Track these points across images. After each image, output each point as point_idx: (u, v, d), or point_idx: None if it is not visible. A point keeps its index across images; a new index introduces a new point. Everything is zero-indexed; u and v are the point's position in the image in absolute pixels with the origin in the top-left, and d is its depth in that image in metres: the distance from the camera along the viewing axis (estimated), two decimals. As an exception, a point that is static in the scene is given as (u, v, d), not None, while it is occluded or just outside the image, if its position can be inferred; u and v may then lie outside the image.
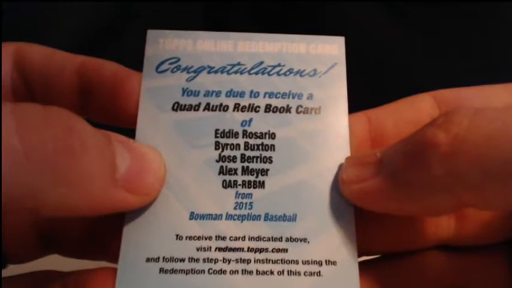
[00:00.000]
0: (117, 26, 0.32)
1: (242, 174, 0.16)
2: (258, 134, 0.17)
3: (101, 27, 0.32)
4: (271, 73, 0.18)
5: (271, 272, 0.15)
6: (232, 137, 0.17)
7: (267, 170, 0.16)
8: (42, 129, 0.12)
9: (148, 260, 0.15)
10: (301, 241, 0.15)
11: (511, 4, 0.31)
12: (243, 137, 0.17)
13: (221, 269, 0.15)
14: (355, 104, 0.17)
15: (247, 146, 0.17)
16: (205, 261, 0.15)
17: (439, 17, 0.32)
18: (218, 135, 0.17)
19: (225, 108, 0.17)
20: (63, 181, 0.12)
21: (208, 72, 0.17)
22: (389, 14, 0.32)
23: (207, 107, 0.17)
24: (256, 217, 0.16)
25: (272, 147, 0.17)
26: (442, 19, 0.32)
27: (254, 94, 0.17)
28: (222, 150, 0.17)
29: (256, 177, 0.16)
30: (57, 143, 0.12)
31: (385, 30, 0.32)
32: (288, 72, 0.18)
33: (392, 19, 0.32)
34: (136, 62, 0.18)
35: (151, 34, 0.18)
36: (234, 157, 0.16)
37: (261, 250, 0.15)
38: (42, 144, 0.12)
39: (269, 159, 0.17)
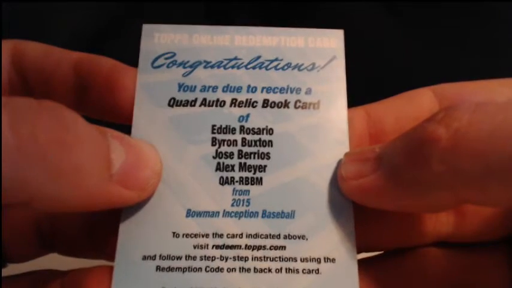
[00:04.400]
0: (117, 26, 0.32)
1: (239, 171, 0.16)
2: (256, 130, 0.17)
3: (100, 27, 0.32)
4: (268, 67, 0.17)
5: (269, 270, 0.15)
6: (229, 133, 0.16)
7: (265, 166, 0.16)
8: (35, 121, 0.12)
9: (144, 258, 0.15)
10: (299, 238, 0.15)
11: (510, 4, 0.31)
12: (240, 133, 0.17)
13: (218, 267, 0.15)
14: (355, 102, 0.17)
15: (244, 142, 0.16)
16: (202, 259, 0.15)
17: (438, 16, 0.32)
18: (215, 131, 0.16)
19: (221, 104, 0.17)
20: (55, 174, 0.12)
21: (205, 67, 0.17)
22: (389, 13, 0.32)
23: (204, 103, 0.17)
24: (254, 214, 0.16)
25: (270, 143, 0.16)
26: (441, 18, 0.32)
27: (251, 89, 0.17)
28: (219, 147, 0.16)
29: (254, 173, 0.16)
30: (49, 136, 0.12)
31: (384, 29, 0.32)
32: (286, 67, 0.17)
33: (392, 18, 0.32)
34: (136, 62, 0.17)
35: (146, 29, 0.18)
36: (231, 153, 0.16)
37: (258, 247, 0.15)
38: (34, 137, 0.12)
39: (267, 156, 0.16)
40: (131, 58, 0.18)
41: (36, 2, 0.31)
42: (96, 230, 0.17)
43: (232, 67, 0.17)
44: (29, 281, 0.16)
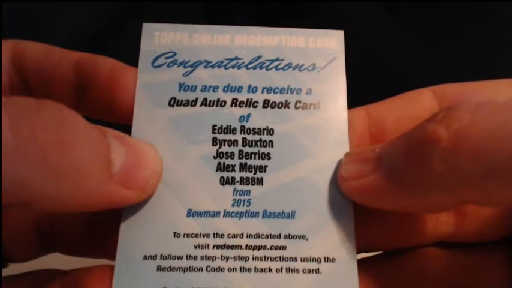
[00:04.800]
0: (117, 26, 0.32)
1: (240, 171, 0.16)
2: (256, 130, 0.17)
3: (100, 27, 0.32)
4: (269, 68, 0.17)
5: (270, 270, 0.15)
6: (230, 133, 0.16)
7: (265, 166, 0.16)
8: (34, 120, 0.12)
9: (145, 257, 0.15)
10: (299, 238, 0.15)
11: (510, 4, 0.31)
12: (240, 133, 0.17)
13: (219, 267, 0.15)
14: (355, 102, 0.17)
15: (245, 142, 0.16)
16: (203, 259, 0.15)
17: (438, 16, 0.32)
18: (216, 131, 0.16)
19: (222, 104, 0.17)
20: (54, 174, 0.12)
21: (205, 67, 0.17)
22: (389, 13, 0.32)
23: (204, 103, 0.17)
24: (255, 214, 0.16)
25: (270, 144, 0.16)
26: (441, 18, 0.32)
27: (252, 89, 0.17)
28: (220, 147, 0.16)
29: (255, 173, 0.16)
30: (48, 135, 0.12)
31: (384, 29, 0.32)
32: (286, 67, 0.17)
33: (392, 18, 0.32)
34: (136, 61, 0.17)
35: (146, 28, 0.18)
36: (232, 153, 0.16)
37: (259, 247, 0.15)
38: (33, 136, 0.12)
39: (267, 156, 0.16)
40: (131, 58, 0.18)
41: (36, 2, 0.31)
42: (97, 229, 0.17)
43: (233, 67, 0.17)
44: (30, 281, 0.16)
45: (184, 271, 0.15)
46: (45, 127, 0.12)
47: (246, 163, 0.16)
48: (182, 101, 0.17)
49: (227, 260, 0.15)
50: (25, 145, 0.12)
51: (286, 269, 0.15)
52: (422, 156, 0.13)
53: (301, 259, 0.15)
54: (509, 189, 0.12)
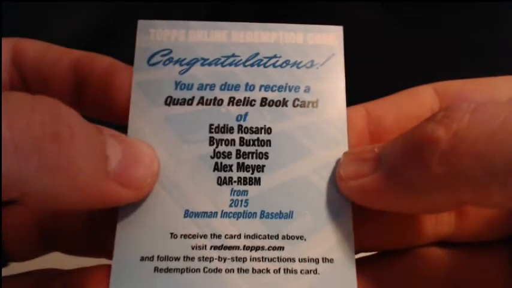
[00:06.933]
0: (117, 25, 0.32)
1: (237, 171, 0.16)
2: (254, 129, 0.16)
3: (100, 26, 0.32)
4: (267, 65, 0.17)
5: (267, 271, 0.15)
6: (227, 132, 0.16)
7: (263, 166, 0.16)
8: (30, 115, 0.12)
9: (142, 258, 0.15)
10: (297, 239, 0.15)
11: (510, 3, 0.30)
12: (238, 132, 0.16)
13: (216, 268, 0.15)
14: (354, 99, 0.17)
15: (242, 142, 0.16)
16: (200, 260, 0.15)
17: (439, 14, 0.31)
18: (213, 130, 0.16)
19: (219, 102, 0.17)
20: (50, 169, 0.12)
21: (202, 65, 0.17)
22: (389, 12, 0.31)
23: (201, 101, 0.17)
24: (252, 215, 0.15)
25: (268, 143, 0.16)
26: (441, 17, 0.31)
27: (249, 87, 0.17)
28: (217, 146, 0.16)
29: (252, 173, 0.16)
30: (44, 130, 0.12)
31: (384, 27, 0.32)
32: (284, 64, 0.17)
33: (392, 17, 0.31)
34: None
35: (142, 25, 0.17)
36: (229, 153, 0.16)
37: (257, 248, 0.15)
38: (29, 130, 0.12)
39: (265, 155, 0.16)
40: (131, 57, 0.17)
41: (36, 2, 0.30)
42: (98, 228, 0.17)
43: (230, 64, 0.17)
44: (30, 280, 0.16)
45: (181, 272, 0.15)
46: (40, 122, 0.12)
47: (243, 163, 0.16)
48: (178, 99, 0.17)
49: (224, 261, 0.15)
50: (20, 140, 0.11)
51: (284, 269, 0.15)
52: (421, 158, 0.13)
53: (299, 260, 0.15)
54: (508, 192, 0.12)
